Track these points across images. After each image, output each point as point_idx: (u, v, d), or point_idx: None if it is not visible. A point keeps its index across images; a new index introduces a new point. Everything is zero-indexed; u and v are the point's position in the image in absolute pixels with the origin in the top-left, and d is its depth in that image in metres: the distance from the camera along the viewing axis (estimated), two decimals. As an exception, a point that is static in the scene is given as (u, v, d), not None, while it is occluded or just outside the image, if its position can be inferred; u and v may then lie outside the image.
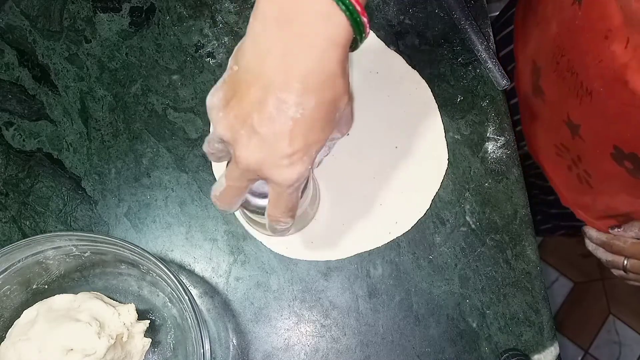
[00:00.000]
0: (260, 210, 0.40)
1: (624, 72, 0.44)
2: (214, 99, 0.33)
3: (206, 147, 0.38)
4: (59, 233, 0.48)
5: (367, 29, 0.32)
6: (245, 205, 0.40)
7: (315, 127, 0.32)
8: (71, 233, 0.47)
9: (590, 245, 0.61)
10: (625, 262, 0.57)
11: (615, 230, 0.56)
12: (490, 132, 0.56)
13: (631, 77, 0.44)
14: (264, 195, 0.39)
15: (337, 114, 0.34)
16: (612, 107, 0.47)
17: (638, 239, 0.56)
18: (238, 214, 0.53)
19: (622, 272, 0.58)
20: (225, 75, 0.33)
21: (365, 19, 0.31)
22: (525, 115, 0.66)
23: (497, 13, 0.82)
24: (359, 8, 0.30)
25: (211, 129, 0.36)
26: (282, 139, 0.32)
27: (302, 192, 0.39)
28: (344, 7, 0.30)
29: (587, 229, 0.61)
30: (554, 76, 0.54)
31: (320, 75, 0.31)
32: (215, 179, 0.54)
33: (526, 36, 0.62)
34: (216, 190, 0.38)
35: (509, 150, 0.55)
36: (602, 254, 0.59)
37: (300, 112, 0.31)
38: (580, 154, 0.56)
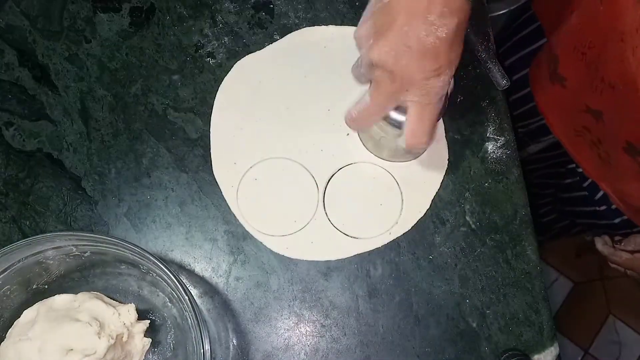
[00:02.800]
0: (396, 124, 0.43)
1: (636, 78, 0.44)
2: (362, 30, 0.38)
3: (354, 71, 0.43)
4: (59, 233, 0.48)
5: None
6: (384, 117, 0.43)
7: (455, 43, 0.38)
8: (71, 233, 0.47)
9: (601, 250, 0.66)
10: (627, 271, 0.60)
11: (619, 244, 0.60)
12: (490, 132, 0.56)
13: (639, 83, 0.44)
14: (402, 111, 0.43)
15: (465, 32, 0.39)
16: (630, 104, 0.47)
17: (636, 251, 0.59)
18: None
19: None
20: (371, 8, 0.38)
21: None
22: (540, 97, 0.66)
23: (498, 13, 0.82)
24: None
25: (361, 59, 0.40)
26: (431, 56, 0.37)
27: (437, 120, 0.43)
28: None
29: (596, 240, 0.64)
30: (580, 65, 0.54)
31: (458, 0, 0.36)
32: (215, 179, 0.54)
33: (554, 21, 0.62)
34: (355, 110, 0.42)
35: (509, 150, 0.55)
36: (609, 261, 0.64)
37: (445, 32, 0.36)
38: (600, 137, 0.56)
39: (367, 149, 0.54)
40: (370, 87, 0.41)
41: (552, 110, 0.65)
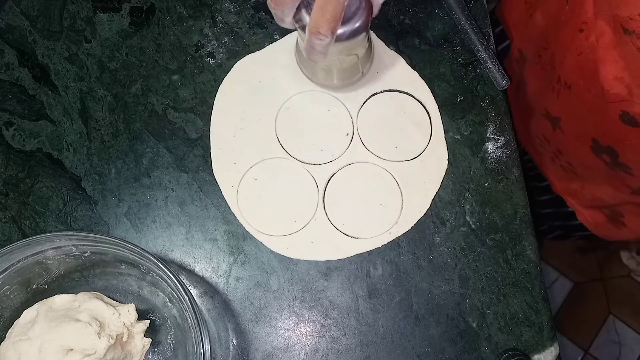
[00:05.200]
0: (304, 25, 0.43)
1: (597, 65, 0.45)
2: None
3: None
4: (59, 233, 0.48)
5: None
6: (298, 21, 0.44)
7: None
8: (71, 233, 0.47)
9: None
10: None
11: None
12: (490, 132, 0.56)
13: (601, 70, 0.45)
14: None
15: None
16: (590, 100, 0.48)
17: None
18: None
19: None
20: None
21: None
22: (513, 107, 0.67)
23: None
24: None
25: None
26: None
27: (358, 34, 0.44)
28: None
29: (622, 254, 0.65)
30: (537, 68, 0.55)
31: None
32: (215, 179, 0.54)
33: (516, 25, 0.63)
34: None
35: (509, 150, 0.55)
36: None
37: None
38: (560, 147, 0.56)
39: (312, 81, 0.54)
40: None
41: (517, 118, 0.65)
